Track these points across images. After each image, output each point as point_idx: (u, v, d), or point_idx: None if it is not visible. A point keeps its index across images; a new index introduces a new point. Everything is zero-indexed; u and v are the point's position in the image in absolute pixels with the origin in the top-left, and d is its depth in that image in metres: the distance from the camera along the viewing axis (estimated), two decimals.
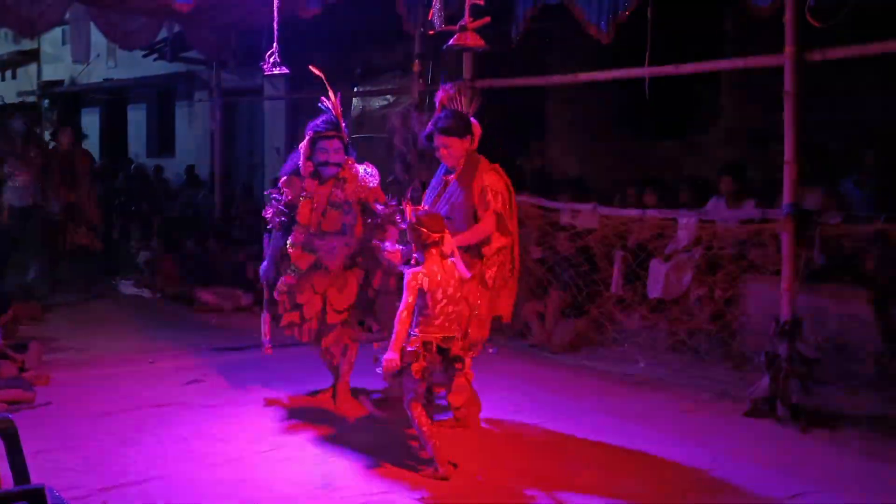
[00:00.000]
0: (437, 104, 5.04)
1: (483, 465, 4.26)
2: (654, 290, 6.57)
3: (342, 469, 4.21)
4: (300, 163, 5.02)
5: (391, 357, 4.06)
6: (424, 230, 4.12)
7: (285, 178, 5.07)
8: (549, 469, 4.26)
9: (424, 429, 4.11)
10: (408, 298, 4.09)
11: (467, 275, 4.25)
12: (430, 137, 4.92)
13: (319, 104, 5.08)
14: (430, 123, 4.96)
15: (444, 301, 4.11)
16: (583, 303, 6.94)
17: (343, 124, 5.06)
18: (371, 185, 5.06)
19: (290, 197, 5.01)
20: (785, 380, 5.11)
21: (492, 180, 4.80)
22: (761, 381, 5.21)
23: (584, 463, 4.37)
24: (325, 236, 4.96)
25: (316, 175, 5.01)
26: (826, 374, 5.30)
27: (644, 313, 6.67)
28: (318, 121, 5.02)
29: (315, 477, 4.10)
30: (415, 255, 4.41)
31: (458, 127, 4.82)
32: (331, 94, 5.01)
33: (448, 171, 4.94)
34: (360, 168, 5.10)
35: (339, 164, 4.99)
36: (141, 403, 5.20)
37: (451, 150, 4.83)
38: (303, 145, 5.03)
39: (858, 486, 4.12)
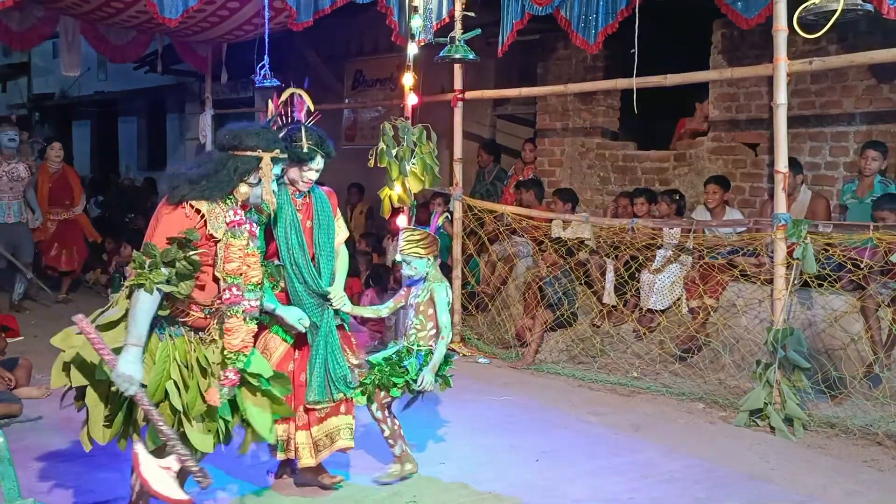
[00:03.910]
0: (279, 109, 3.78)
1: (477, 475, 4.26)
2: (647, 301, 6.59)
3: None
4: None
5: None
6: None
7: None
8: (542, 479, 4.26)
9: (396, 427, 4.17)
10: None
11: None
12: (307, 156, 3.83)
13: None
14: (304, 138, 3.81)
15: None
16: (574, 314, 6.94)
17: None
18: None
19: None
20: (777, 389, 5.13)
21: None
22: (754, 391, 5.23)
23: (578, 473, 4.36)
24: None
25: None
26: (818, 383, 5.31)
27: (636, 323, 6.67)
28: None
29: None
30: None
31: (332, 150, 3.96)
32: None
33: (290, 196, 3.96)
34: None
35: None
36: None
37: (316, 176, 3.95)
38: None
39: (852, 495, 4.13)
